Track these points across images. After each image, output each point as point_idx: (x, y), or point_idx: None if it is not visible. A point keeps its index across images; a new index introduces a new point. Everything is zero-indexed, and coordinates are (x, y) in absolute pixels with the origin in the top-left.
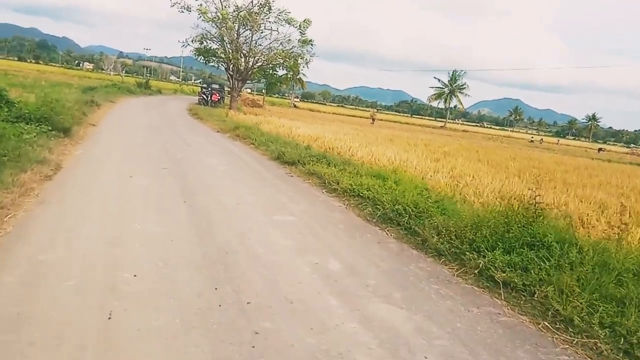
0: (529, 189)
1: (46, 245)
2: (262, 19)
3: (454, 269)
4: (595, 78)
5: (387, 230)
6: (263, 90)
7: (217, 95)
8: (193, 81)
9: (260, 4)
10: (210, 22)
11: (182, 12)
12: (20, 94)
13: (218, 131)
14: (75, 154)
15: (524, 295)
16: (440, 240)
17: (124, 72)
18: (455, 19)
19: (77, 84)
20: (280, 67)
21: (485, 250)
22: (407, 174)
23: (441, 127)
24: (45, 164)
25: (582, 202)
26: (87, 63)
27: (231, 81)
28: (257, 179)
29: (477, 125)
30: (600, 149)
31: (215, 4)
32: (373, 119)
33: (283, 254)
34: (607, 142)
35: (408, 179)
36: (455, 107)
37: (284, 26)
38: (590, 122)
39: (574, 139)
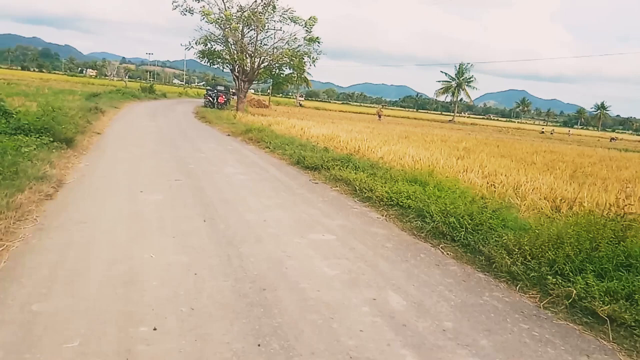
0: (619, 198)
1: (44, 288)
2: (267, 18)
3: (535, 297)
4: (601, 66)
5: (442, 248)
6: (268, 91)
7: (223, 97)
8: (196, 84)
9: (265, 3)
10: (214, 24)
11: (185, 14)
12: (22, 102)
13: (229, 135)
14: (78, 166)
15: (637, 335)
16: (513, 260)
17: (127, 77)
18: (457, 12)
19: (80, 90)
20: (287, 67)
21: (571, 274)
22: (447, 178)
23: (449, 121)
24: (46, 180)
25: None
26: (90, 70)
27: (237, 82)
28: (280, 188)
29: (483, 118)
30: (612, 138)
31: (218, 5)
32: (380, 115)
33: (332, 288)
34: (616, 130)
35: (450, 184)
36: (461, 100)
37: (289, 25)
38: (599, 111)
39: (582, 128)
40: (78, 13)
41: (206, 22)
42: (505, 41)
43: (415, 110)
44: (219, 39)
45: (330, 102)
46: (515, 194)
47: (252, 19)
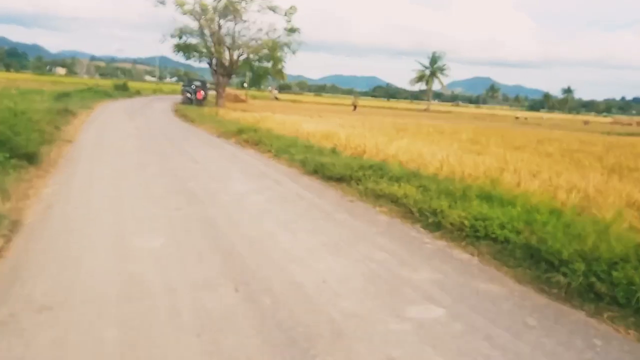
0: None
1: None
2: (244, 7)
3: None
4: (562, 51)
5: (611, 321)
6: (244, 85)
7: (202, 92)
8: (168, 79)
9: None
10: (188, 15)
11: (157, 5)
12: None
13: (219, 136)
14: (43, 193)
15: None
16: None
17: (97, 75)
18: (423, 3)
19: (49, 90)
20: (267, 59)
21: None
22: (527, 191)
23: (424, 109)
24: None
25: None
26: (60, 68)
27: (215, 76)
28: (313, 213)
29: (452, 105)
30: (585, 122)
31: None
32: (355, 106)
33: None
34: (580, 113)
35: (541, 200)
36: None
37: (268, 14)
38: (566, 95)
39: (548, 112)
40: (46, 11)
41: (181, 13)
42: (471, 30)
43: (386, 99)
44: (195, 31)
45: (303, 94)
46: (587, 202)
47: (229, 9)
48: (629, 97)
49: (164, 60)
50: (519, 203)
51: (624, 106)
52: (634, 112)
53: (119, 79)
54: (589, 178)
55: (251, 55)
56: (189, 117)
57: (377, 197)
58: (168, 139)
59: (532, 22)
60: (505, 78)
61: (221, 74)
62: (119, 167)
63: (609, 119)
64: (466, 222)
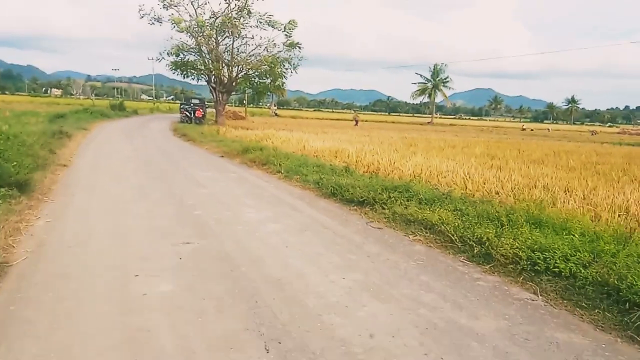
0: None
1: None
2: (242, 24)
3: None
4: (563, 62)
5: None
6: (244, 102)
7: (201, 110)
8: (165, 98)
9: (239, 7)
10: (185, 32)
11: (153, 24)
12: None
13: (222, 156)
14: (35, 226)
15: None
16: None
17: (93, 95)
18: (420, 15)
19: (44, 111)
20: (267, 75)
21: None
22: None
23: (428, 123)
24: None
25: None
26: (55, 89)
27: (214, 94)
28: (341, 245)
29: (454, 118)
30: (593, 132)
31: (189, 12)
32: (357, 121)
33: None
34: (584, 123)
35: (599, 225)
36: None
37: (267, 30)
38: (570, 105)
39: (553, 123)
40: (40, 32)
41: (177, 31)
42: (470, 41)
43: (387, 113)
44: (192, 48)
45: (302, 109)
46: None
47: (227, 25)
48: (632, 107)
49: (159, 78)
50: (575, 229)
51: (629, 115)
52: (639, 121)
53: (115, 98)
54: (626, 194)
55: (250, 72)
56: (189, 136)
57: (408, 223)
58: (169, 160)
59: (530, 33)
60: (507, 89)
61: (220, 91)
62: (118, 193)
63: (615, 129)
64: (522, 254)
